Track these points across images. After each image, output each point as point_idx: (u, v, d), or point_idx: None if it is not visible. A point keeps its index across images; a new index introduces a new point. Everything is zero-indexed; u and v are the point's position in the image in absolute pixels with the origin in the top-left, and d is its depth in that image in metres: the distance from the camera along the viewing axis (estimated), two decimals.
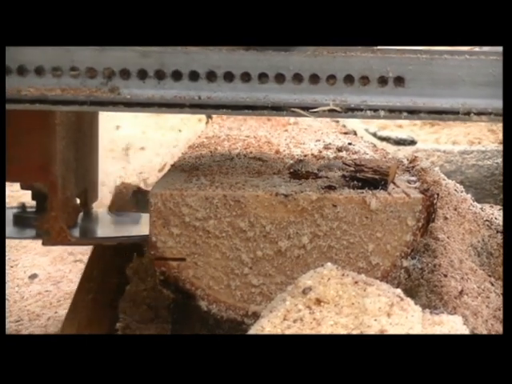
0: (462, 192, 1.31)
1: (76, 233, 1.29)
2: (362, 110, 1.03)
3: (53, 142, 1.21)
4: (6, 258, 2.11)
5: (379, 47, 1.08)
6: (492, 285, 1.18)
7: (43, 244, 1.25)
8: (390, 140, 3.78)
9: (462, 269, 1.14)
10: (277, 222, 1.08)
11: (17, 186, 1.34)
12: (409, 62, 1.03)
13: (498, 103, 1.02)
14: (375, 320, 0.85)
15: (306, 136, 1.80)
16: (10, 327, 1.65)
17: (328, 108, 1.02)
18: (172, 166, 1.32)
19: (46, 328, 1.73)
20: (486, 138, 4.44)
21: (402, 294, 0.90)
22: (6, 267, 2.13)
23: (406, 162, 1.40)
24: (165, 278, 1.10)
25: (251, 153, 1.44)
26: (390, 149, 2.92)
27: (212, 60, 1.02)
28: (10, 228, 1.36)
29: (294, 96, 1.03)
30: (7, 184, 1.19)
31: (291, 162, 1.27)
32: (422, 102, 1.04)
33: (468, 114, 1.04)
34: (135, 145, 3.37)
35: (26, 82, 1.02)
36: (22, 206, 1.43)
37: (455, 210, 1.24)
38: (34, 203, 1.35)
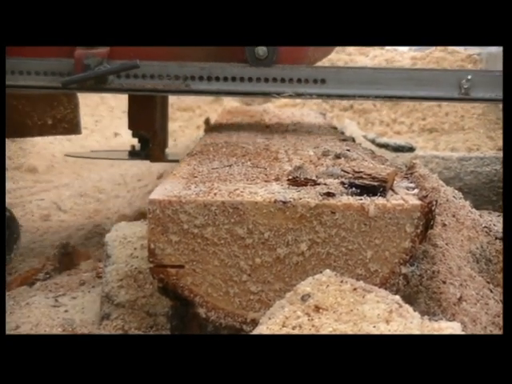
0: (460, 199, 1.31)
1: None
2: (304, 95, 2.05)
3: (154, 111, 2.42)
4: None
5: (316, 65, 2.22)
6: (491, 291, 1.18)
7: (151, 161, 2.61)
8: (388, 147, 3.78)
9: (461, 275, 1.14)
10: (275, 229, 1.08)
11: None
12: (328, 72, 2.05)
13: (374, 92, 2.02)
14: (374, 327, 0.85)
15: (305, 143, 1.79)
16: None
17: (288, 94, 2.03)
18: (171, 173, 1.32)
19: None
20: (484, 144, 4.44)
21: (401, 301, 0.90)
22: None
23: (404, 168, 1.40)
24: (163, 285, 1.10)
25: (250, 160, 1.44)
26: (389, 155, 2.91)
27: (234, 71, 2.02)
28: (126, 157, 2.72)
29: (274, 88, 2.03)
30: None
31: (290, 168, 1.27)
32: (334, 91, 2.05)
33: (354, 97, 2.05)
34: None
35: (145, 82, 2.01)
36: (133, 147, 2.69)
37: (454, 216, 1.24)
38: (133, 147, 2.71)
